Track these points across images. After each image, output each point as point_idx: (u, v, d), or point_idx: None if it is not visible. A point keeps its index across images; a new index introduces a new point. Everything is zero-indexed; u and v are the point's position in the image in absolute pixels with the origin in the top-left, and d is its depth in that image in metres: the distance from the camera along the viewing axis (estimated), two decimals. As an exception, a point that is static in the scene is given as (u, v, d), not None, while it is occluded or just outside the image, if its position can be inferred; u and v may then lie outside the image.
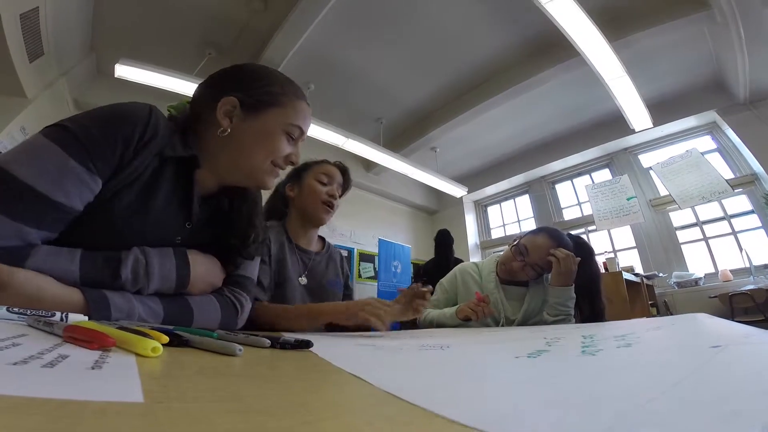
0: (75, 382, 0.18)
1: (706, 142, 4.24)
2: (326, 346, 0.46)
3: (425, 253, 5.51)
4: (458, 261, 2.90)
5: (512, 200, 5.97)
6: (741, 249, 3.72)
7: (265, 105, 0.65)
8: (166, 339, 0.32)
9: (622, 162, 4.78)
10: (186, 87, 2.91)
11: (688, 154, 4.07)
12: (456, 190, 5.21)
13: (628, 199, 4.40)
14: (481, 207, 6.29)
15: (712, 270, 3.89)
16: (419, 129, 4.64)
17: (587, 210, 4.86)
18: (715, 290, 3.51)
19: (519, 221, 5.82)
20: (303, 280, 1.10)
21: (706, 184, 3.89)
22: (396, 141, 4.87)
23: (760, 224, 3.68)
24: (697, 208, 4.10)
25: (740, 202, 3.92)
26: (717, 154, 4.12)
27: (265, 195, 1.01)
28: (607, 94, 3.43)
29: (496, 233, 6.08)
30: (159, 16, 3.01)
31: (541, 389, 0.23)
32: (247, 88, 0.66)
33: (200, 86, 0.70)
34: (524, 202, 5.80)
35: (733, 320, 1.92)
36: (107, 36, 3.18)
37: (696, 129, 4.27)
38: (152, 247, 0.58)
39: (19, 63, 2.57)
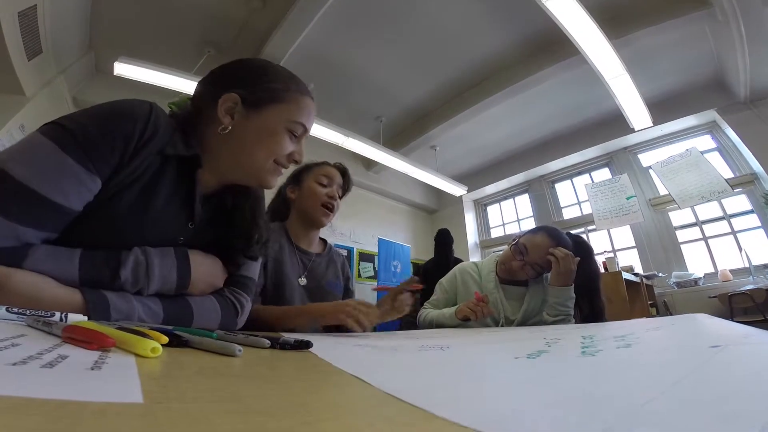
0: (74, 382, 0.18)
1: (705, 142, 4.24)
2: (326, 347, 0.46)
3: (425, 252, 5.52)
4: (458, 260, 2.90)
5: (512, 199, 5.97)
6: (740, 249, 3.73)
7: (268, 101, 0.64)
8: (165, 339, 0.32)
9: (622, 161, 4.78)
10: (185, 85, 2.91)
11: (687, 154, 4.07)
12: (456, 189, 5.21)
13: (627, 199, 4.40)
14: (480, 206, 6.30)
15: (712, 270, 3.89)
16: (419, 127, 4.64)
17: (587, 209, 4.86)
18: (715, 290, 3.51)
19: (519, 220, 5.82)
20: (302, 280, 1.10)
21: (705, 184, 3.89)
22: (396, 139, 4.87)
23: (760, 224, 3.69)
24: (696, 207, 4.11)
25: (740, 201, 3.92)
26: (717, 154, 4.12)
27: (268, 197, 1.01)
28: (607, 93, 3.43)
29: (496, 232, 6.08)
30: (158, 14, 3.00)
31: (541, 390, 0.23)
32: (249, 84, 0.64)
33: (201, 82, 0.68)
34: (524, 201, 5.80)
35: (732, 320, 1.93)
36: (106, 34, 3.17)
37: (696, 128, 4.27)
38: (154, 247, 0.57)
39: (18, 61, 2.56)
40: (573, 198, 5.28)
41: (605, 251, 4.46)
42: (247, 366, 0.31)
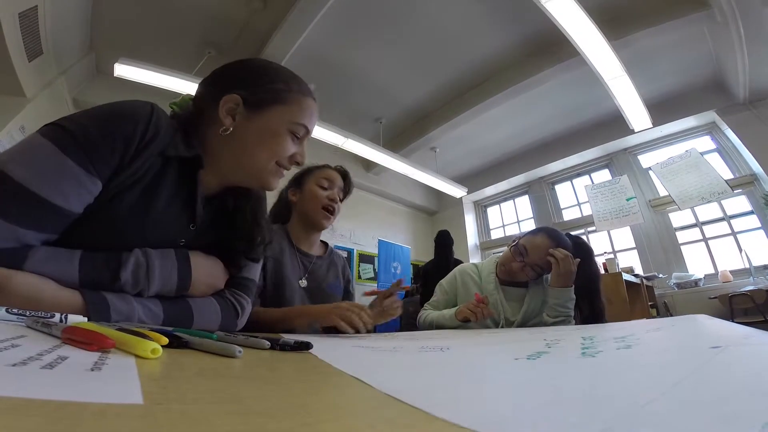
0: (74, 383, 0.18)
1: (705, 143, 4.25)
2: (326, 348, 0.46)
3: (425, 253, 5.52)
4: (458, 262, 2.90)
5: (512, 201, 5.98)
6: (741, 250, 3.73)
7: (269, 102, 0.63)
8: (165, 340, 0.32)
9: (622, 162, 4.78)
10: (185, 86, 2.91)
11: (687, 155, 4.08)
12: (456, 191, 5.21)
13: (627, 200, 4.41)
14: (480, 207, 6.30)
15: (712, 271, 3.89)
16: (419, 129, 4.65)
17: (587, 210, 4.87)
18: (715, 291, 3.51)
19: (519, 222, 5.83)
20: (303, 282, 1.11)
21: (705, 185, 3.89)
22: (395, 141, 4.87)
23: (760, 225, 3.69)
24: (696, 208, 4.11)
25: (740, 202, 3.92)
26: (716, 155, 4.12)
27: (271, 201, 1.01)
28: (607, 94, 3.44)
29: (496, 234, 6.08)
30: (158, 15, 3.01)
31: (541, 391, 0.23)
32: (251, 84, 0.63)
33: (203, 83, 0.67)
34: (524, 202, 5.81)
35: (732, 321, 1.92)
36: (106, 35, 3.18)
37: (695, 129, 4.28)
38: (155, 248, 0.57)
39: (18, 62, 2.57)
40: (573, 199, 5.29)
41: (605, 252, 4.46)
42: (247, 367, 0.31)
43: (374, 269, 5.22)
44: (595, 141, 4.72)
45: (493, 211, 6.25)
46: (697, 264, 4.02)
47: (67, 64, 3.14)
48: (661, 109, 3.94)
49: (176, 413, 0.15)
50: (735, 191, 3.80)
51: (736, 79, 3.44)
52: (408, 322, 2.99)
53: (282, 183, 1.01)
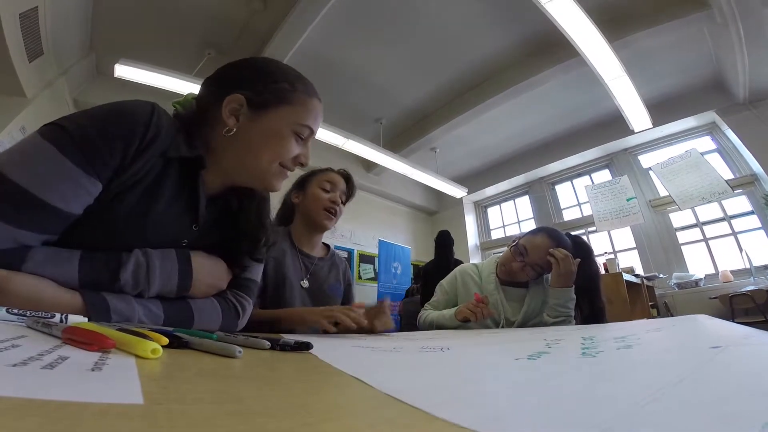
0: (75, 383, 0.18)
1: (705, 143, 4.24)
2: (326, 348, 0.46)
3: (425, 254, 5.52)
4: (458, 262, 2.90)
5: (512, 201, 5.98)
6: (741, 250, 3.73)
7: (274, 103, 0.62)
8: (165, 341, 0.32)
9: (622, 162, 4.78)
10: (186, 87, 2.91)
11: (687, 155, 4.08)
12: (456, 191, 5.21)
13: (627, 200, 4.41)
14: (481, 208, 6.30)
15: (713, 271, 3.89)
16: (419, 129, 4.65)
17: (587, 211, 4.86)
18: (716, 291, 3.51)
19: (519, 222, 5.82)
20: (305, 283, 1.12)
21: (705, 185, 3.89)
22: (396, 141, 4.88)
23: (760, 225, 3.68)
24: (697, 208, 4.11)
25: (740, 202, 3.92)
26: (717, 155, 4.12)
27: (276, 206, 1.01)
28: (607, 95, 3.44)
29: (496, 234, 6.08)
30: (158, 15, 3.01)
31: (542, 390, 0.23)
32: (255, 84, 0.62)
33: (206, 82, 0.66)
34: (524, 203, 5.80)
35: (733, 321, 1.92)
36: (107, 36, 3.18)
37: (695, 129, 4.28)
38: (156, 249, 0.57)
39: (19, 63, 2.57)
40: (573, 199, 5.28)
41: (606, 252, 4.46)
42: (248, 367, 0.31)
43: (374, 269, 5.22)
44: (595, 141, 4.72)
45: (493, 212, 6.25)
46: (697, 264, 4.02)
47: (67, 64, 3.15)
48: (661, 110, 3.94)
49: (176, 413, 0.15)
50: (735, 191, 3.80)
51: (736, 79, 3.44)
52: (408, 322, 3.00)
53: (287, 184, 1.01)
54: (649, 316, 3.17)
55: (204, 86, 0.66)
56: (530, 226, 5.44)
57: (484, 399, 0.22)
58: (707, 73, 3.78)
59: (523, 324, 1.29)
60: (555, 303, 1.22)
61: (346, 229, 5.04)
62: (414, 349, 0.50)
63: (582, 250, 1.30)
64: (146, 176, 0.55)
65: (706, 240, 4.07)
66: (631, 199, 4.38)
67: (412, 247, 5.56)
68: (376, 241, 5.01)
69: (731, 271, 3.70)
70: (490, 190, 5.92)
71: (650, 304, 3.45)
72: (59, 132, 0.48)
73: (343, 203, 1.20)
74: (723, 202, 3.93)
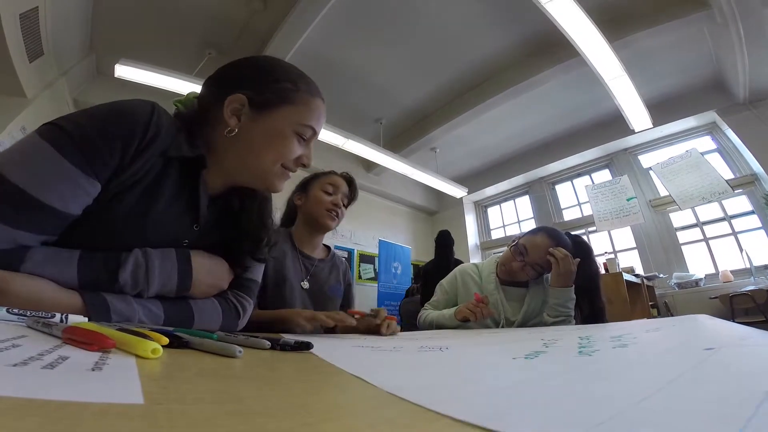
0: (75, 383, 0.18)
1: (705, 143, 4.24)
2: (326, 348, 0.46)
3: (425, 254, 5.52)
4: (458, 262, 2.90)
5: (512, 201, 5.97)
6: (741, 250, 3.72)
7: (276, 103, 0.61)
8: (165, 340, 0.32)
9: (622, 162, 4.78)
10: (186, 87, 2.91)
11: (687, 155, 4.08)
12: (456, 191, 5.21)
13: (628, 200, 4.40)
14: (481, 208, 6.29)
15: (713, 271, 3.88)
16: (419, 129, 4.65)
17: (587, 211, 4.86)
18: (716, 291, 3.51)
19: (519, 222, 5.82)
20: (305, 284, 1.13)
21: (706, 185, 3.89)
22: (396, 141, 4.88)
23: (761, 225, 3.68)
24: (697, 208, 4.10)
25: (740, 202, 3.92)
26: (717, 155, 4.12)
27: (280, 204, 1.01)
28: (607, 95, 3.44)
29: (496, 234, 6.08)
30: (158, 15, 3.01)
31: (538, 389, 0.24)
32: (257, 84, 0.61)
33: (207, 81, 0.66)
34: (524, 202, 5.80)
35: (733, 321, 1.92)
36: (107, 36, 3.18)
37: (696, 129, 4.28)
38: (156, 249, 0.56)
39: (19, 63, 2.57)
40: (573, 199, 5.28)
41: (606, 252, 4.46)
42: (248, 367, 0.31)
43: (375, 269, 5.22)
44: (595, 141, 4.72)
45: (493, 211, 6.25)
46: (697, 264, 4.02)
47: (67, 64, 3.15)
48: (661, 109, 3.94)
49: (177, 413, 0.15)
50: (735, 191, 3.80)
51: (736, 79, 3.44)
52: (408, 322, 3.00)
53: (290, 186, 1.02)
54: (649, 316, 3.17)
55: (205, 86, 0.65)
56: (530, 225, 5.44)
57: (481, 397, 0.22)
58: (707, 73, 3.78)
59: (523, 324, 1.29)
60: (555, 303, 1.22)
61: (347, 229, 5.04)
62: (413, 348, 0.50)
63: (582, 250, 1.30)
64: (146, 176, 0.55)
65: (706, 240, 4.07)
66: (632, 198, 4.38)
67: (412, 247, 5.56)
68: (376, 241, 5.01)
69: (731, 271, 3.70)
70: (490, 190, 5.92)
71: (650, 304, 3.44)
72: (58, 132, 0.48)
73: (345, 206, 1.21)
74: (723, 201, 3.93)
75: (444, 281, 1.48)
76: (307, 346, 0.42)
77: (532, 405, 0.19)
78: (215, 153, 0.62)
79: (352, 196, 1.24)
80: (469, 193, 5.45)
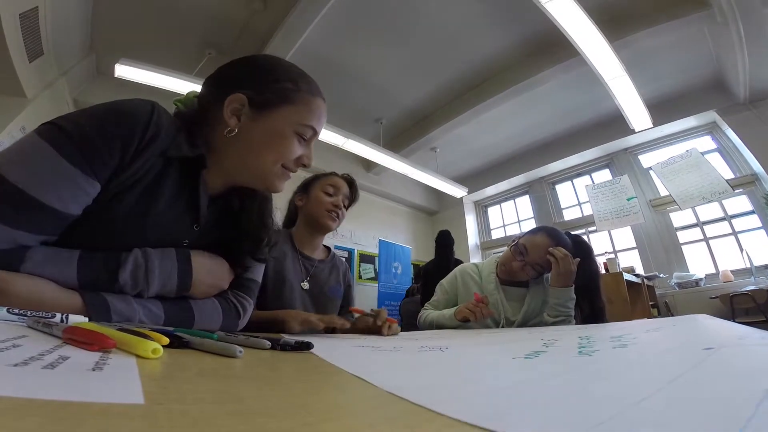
0: (76, 383, 0.18)
1: (706, 142, 4.24)
2: (326, 348, 0.46)
3: (425, 253, 5.52)
4: (458, 262, 2.90)
5: (512, 201, 5.97)
6: (742, 249, 3.72)
7: (276, 103, 0.60)
8: (166, 341, 0.32)
9: (622, 162, 4.78)
10: (186, 87, 2.91)
11: (688, 155, 4.07)
12: (456, 191, 5.21)
13: (628, 200, 4.40)
14: (481, 207, 6.29)
15: (713, 270, 3.88)
16: (419, 129, 4.65)
17: (587, 210, 4.86)
18: (716, 291, 3.50)
19: (519, 222, 5.82)
20: (305, 285, 1.13)
21: (706, 185, 3.89)
22: (396, 141, 4.88)
23: (761, 224, 3.68)
24: (697, 208, 4.10)
25: (741, 202, 3.91)
26: (717, 155, 4.11)
27: (282, 205, 1.01)
28: (607, 94, 3.44)
29: (497, 234, 6.08)
30: (159, 15, 3.01)
31: (538, 388, 0.24)
32: (257, 83, 0.61)
33: (207, 81, 0.65)
34: (524, 202, 5.80)
35: (734, 321, 1.92)
36: (107, 36, 3.18)
37: (696, 129, 4.27)
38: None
39: (19, 63, 2.57)
40: (573, 199, 5.28)
41: (606, 252, 4.46)
42: (248, 367, 0.31)
43: (375, 269, 5.22)
44: (595, 141, 4.71)
45: (493, 211, 6.25)
46: (698, 264, 4.02)
47: (67, 64, 3.15)
48: (661, 109, 3.94)
49: (177, 413, 0.15)
50: (736, 191, 3.80)
51: (737, 79, 3.44)
52: (408, 322, 2.99)
53: (291, 187, 1.02)
54: (650, 316, 3.17)
55: (205, 85, 0.65)
56: (530, 225, 5.43)
57: (481, 397, 0.22)
58: (707, 73, 3.78)
59: (524, 324, 1.29)
60: (555, 302, 1.22)
61: (347, 229, 5.04)
62: (413, 348, 0.50)
63: (582, 250, 1.30)
64: (145, 176, 0.55)
65: (706, 240, 4.07)
66: (632, 198, 4.38)
67: (413, 246, 5.56)
68: (376, 241, 5.01)
69: (732, 271, 3.70)
70: (491, 190, 5.92)
71: (651, 303, 3.44)
72: (57, 131, 0.47)
73: (346, 207, 1.22)
74: (723, 201, 3.92)
75: (444, 281, 1.48)
76: (308, 346, 0.42)
77: (532, 405, 0.19)
78: (215, 153, 0.61)
79: (352, 198, 1.24)
80: (469, 192, 5.45)
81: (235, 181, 0.65)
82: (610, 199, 4.53)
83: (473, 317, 1.17)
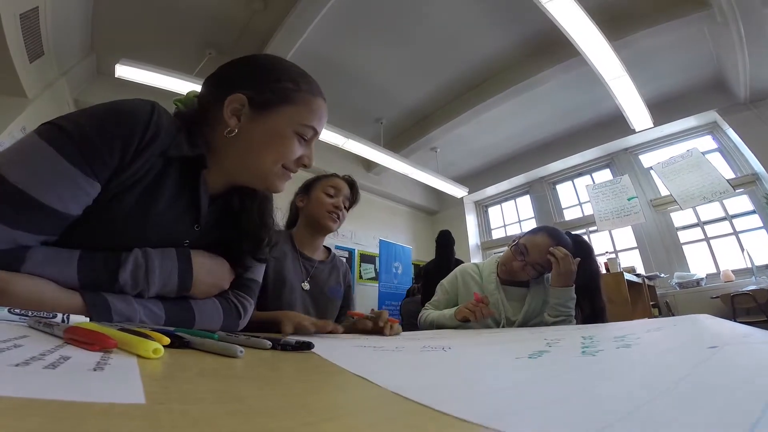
0: (77, 383, 0.18)
1: (706, 142, 4.24)
2: (327, 348, 0.46)
3: (426, 253, 5.52)
4: (459, 262, 2.90)
5: (513, 201, 5.97)
6: (743, 249, 3.72)
7: (276, 103, 0.60)
8: (167, 340, 0.32)
9: (623, 162, 4.77)
10: (186, 87, 2.91)
11: (688, 154, 4.07)
12: (456, 191, 5.21)
13: (629, 200, 4.40)
14: (481, 207, 6.29)
15: (714, 270, 3.88)
16: (419, 129, 4.65)
17: (588, 210, 4.86)
18: (717, 291, 3.50)
19: (520, 222, 5.82)
20: (306, 285, 1.13)
21: (707, 184, 3.88)
22: (396, 141, 4.88)
23: (762, 224, 3.68)
24: (698, 208, 4.10)
25: (741, 202, 3.91)
26: (718, 154, 4.11)
27: (283, 206, 1.01)
28: (608, 94, 3.43)
29: (497, 234, 6.08)
30: (159, 15, 3.02)
31: (543, 389, 0.23)
32: (257, 83, 0.60)
33: (207, 80, 0.65)
34: (525, 202, 5.80)
35: (735, 321, 1.92)
36: (107, 36, 3.19)
37: (696, 129, 4.27)
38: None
39: (19, 63, 2.57)
40: (574, 199, 5.28)
41: (607, 252, 4.46)
42: (249, 367, 0.31)
43: (375, 269, 5.22)
44: (596, 141, 4.71)
45: (494, 211, 6.25)
46: (699, 263, 4.02)
47: (68, 65, 3.15)
48: (662, 109, 3.94)
49: (178, 413, 0.15)
50: (737, 191, 3.79)
51: (737, 78, 3.44)
52: (409, 322, 2.99)
53: (292, 188, 1.02)
54: (651, 316, 3.17)
55: (205, 85, 0.65)
56: (531, 225, 5.42)
57: (485, 397, 0.22)
58: (708, 73, 3.78)
59: (524, 323, 1.29)
60: (555, 302, 1.22)
61: (347, 229, 5.04)
62: (416, 348, 0.50)
63: (582, 250, 1.30)
64: (146, 176, 0.55)
65: (707, 239, 4.07)
66: (632, 198, 4.38)
67: (413, 246, 5.56)
68: (376, 241, 5.01)
69: (733, 271, 3.69)
70: (491, 190, 5.92)
71: (651, 303, 3.44)
72: (57, 131, 0.47)
73: (347, 209, 1.22)
74: (724, 201, 3.92)
75: (445, 281, 1.48)
76: (309, 345, 0.42)
77: (536, 405, 0.19)
78: (216, 153, 0.61)
79: (353, 199, 1.25)
80: (469, 192, 5.45)
81: (235, 181, 0.65)
82: (611, 198, 4.53)
83: (473, 317, 1.17)
